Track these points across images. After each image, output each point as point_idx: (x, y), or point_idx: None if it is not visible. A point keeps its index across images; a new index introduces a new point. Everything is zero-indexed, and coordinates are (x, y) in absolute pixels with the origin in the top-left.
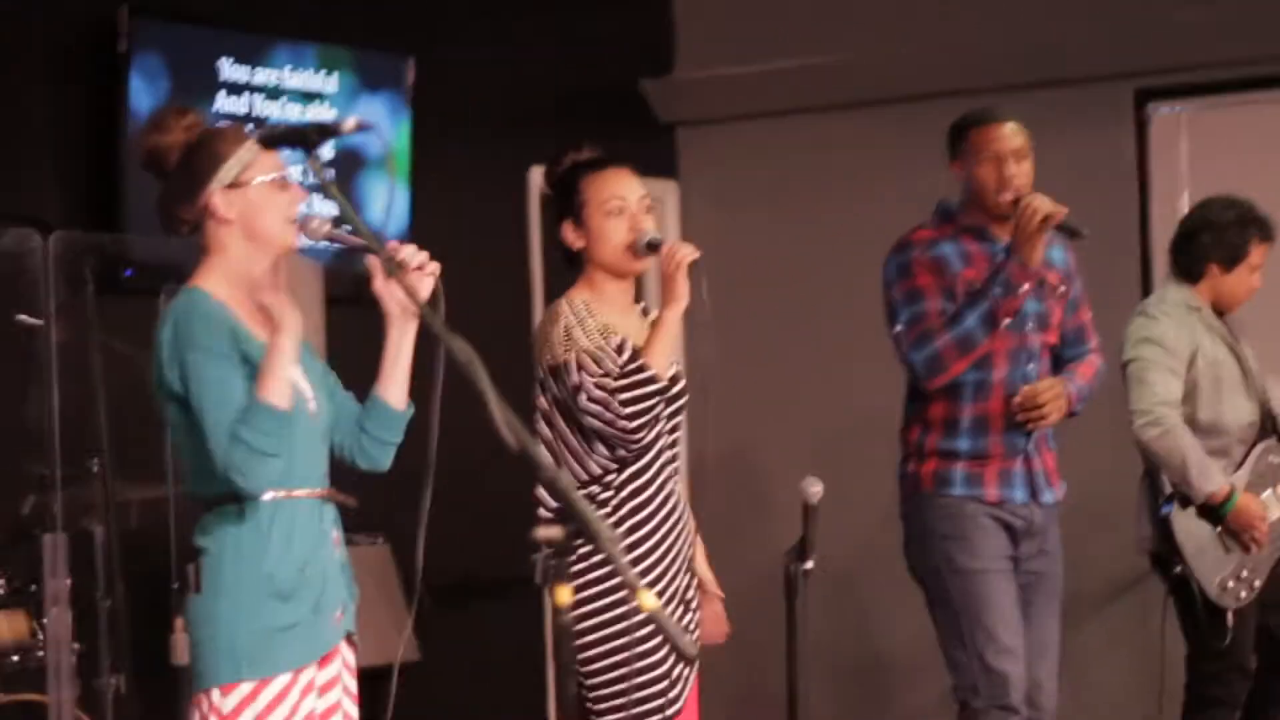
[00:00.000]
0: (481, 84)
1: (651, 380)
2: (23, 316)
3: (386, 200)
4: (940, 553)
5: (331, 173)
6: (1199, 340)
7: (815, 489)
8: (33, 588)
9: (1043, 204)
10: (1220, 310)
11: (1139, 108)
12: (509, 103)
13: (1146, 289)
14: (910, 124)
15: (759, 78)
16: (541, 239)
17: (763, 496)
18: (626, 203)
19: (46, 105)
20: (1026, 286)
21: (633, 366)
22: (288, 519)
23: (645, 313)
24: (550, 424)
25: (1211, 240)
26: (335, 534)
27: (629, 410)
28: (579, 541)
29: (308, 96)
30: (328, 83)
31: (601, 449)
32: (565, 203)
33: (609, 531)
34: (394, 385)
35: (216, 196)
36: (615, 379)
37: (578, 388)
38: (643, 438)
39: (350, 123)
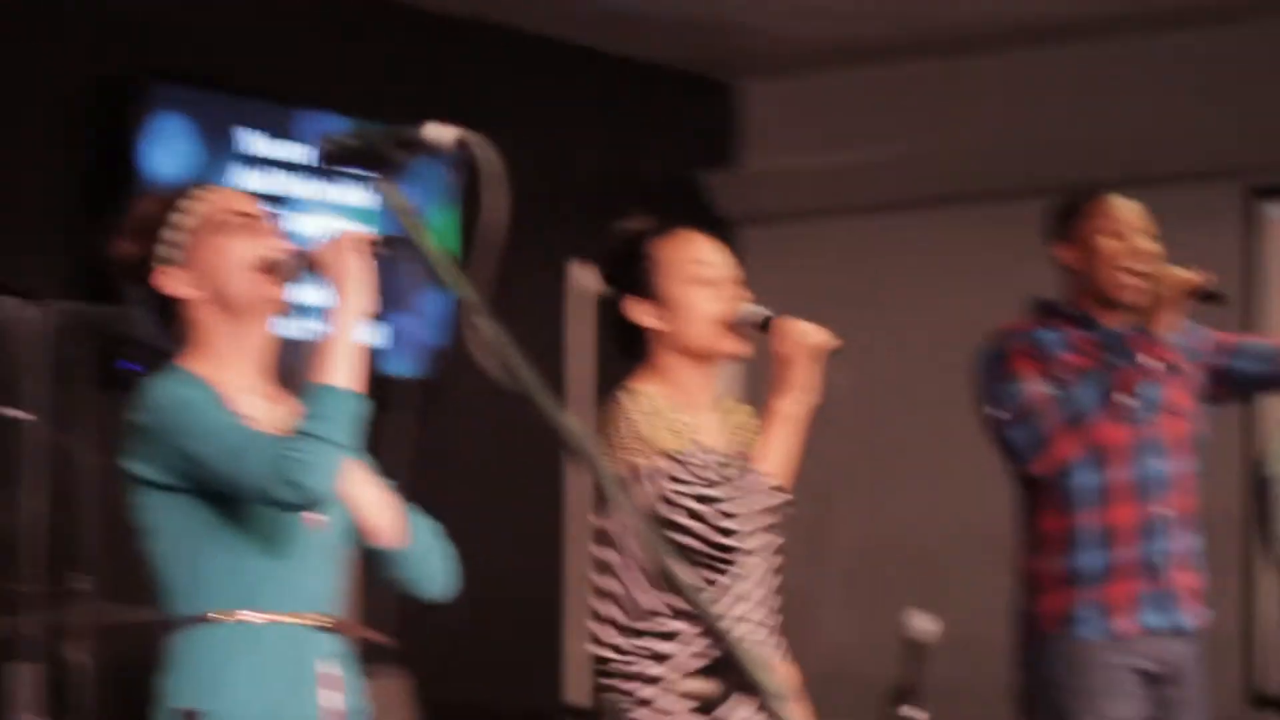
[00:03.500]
0: (526, 171)
1: (765, 490)
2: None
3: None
4: (1061, 711)
5: (413, 200)
6: None
7: (925, 625)
8: None
9: (1180, 271)
10: None
11: (1250, 207)
12: (555, 193)
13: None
14: (993, 221)
15: (830, 171)
16: (588, 338)
17: (856, 632)
18: (714, 270)
19: (50, 168)
20: (1148, 361)
21: (742, 473)
22: (254, 649)
23: (730, 410)
24: (616, 547)
25: None
26: (329, 671)
27: (733, 526)
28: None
29: (339, 175)
30: None
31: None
32: (632, 273)
33: (777, 686)
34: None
35: (160, 278)
36: (710, 487)
37: (659, 498)
38: (741, 559)
39: (445, 133)
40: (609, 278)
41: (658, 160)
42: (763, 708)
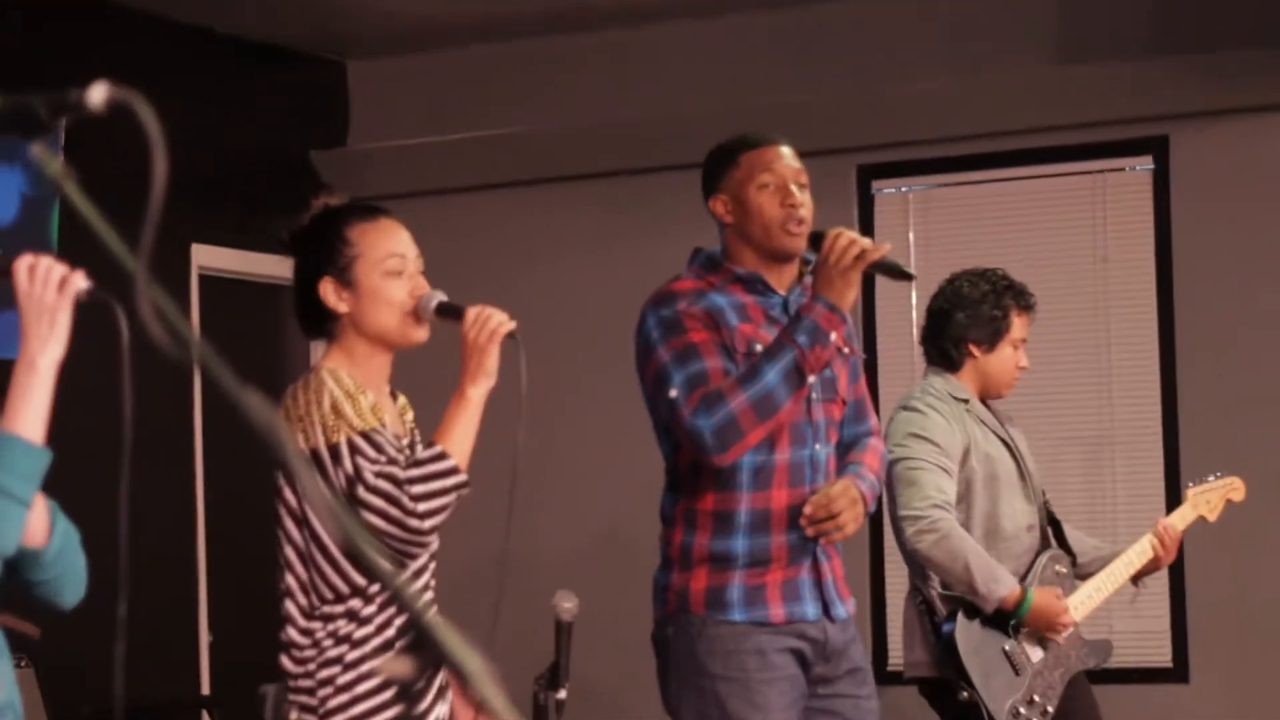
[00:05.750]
0: (138, 154)
1: (452, 471)
2: None
3: None
4: (712, 699)
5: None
6: (971, 434)
7: (568, 604)
8: None
9: (857, 236)
10: (987, 397)
11: (863, 186)
12: (172, 174)
13: (873, 387)
14: (613, 199)
15: (437, 150)
16: (202, 321)
17: (504, 617)
18: (406, 261)
19: None
20: (836, 336)
21: (429, 454)
22: None
23: (398, 400)
24: (303, 525)
25: (967, 318)
26: None
27: (424, 507)
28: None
29: None
30: None
31: None
32: (325, 255)
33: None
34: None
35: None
36: (403, 467)
37: (353, 478)
38: (431, 542)
39: (97, 93)
40: (300, 254)
41: (272, 140)
42: (463, 688)
